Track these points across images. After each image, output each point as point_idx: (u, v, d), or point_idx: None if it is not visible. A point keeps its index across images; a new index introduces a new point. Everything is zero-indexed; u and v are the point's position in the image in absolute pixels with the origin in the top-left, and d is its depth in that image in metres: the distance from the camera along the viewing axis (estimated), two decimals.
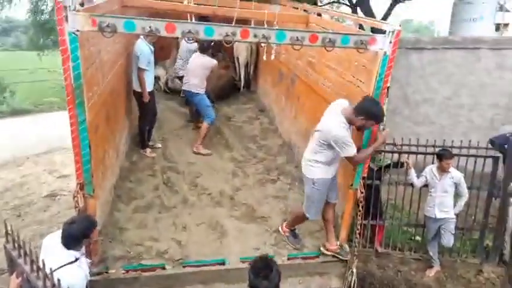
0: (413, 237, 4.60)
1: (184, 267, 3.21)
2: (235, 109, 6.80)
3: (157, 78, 6.42)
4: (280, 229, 3.71)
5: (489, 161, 4.10)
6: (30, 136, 8.76)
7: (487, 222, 4.25)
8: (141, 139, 5.04)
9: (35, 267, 2.03)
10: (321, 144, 3.11)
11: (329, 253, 3.48)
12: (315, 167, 3.20)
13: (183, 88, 5.43)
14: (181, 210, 3.96)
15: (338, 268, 3.50)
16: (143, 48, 4.57)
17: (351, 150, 2.98)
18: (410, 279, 4.11)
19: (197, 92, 5.19)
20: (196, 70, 5.15)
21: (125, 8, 4.60)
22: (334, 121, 3.03)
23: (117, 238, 3.44)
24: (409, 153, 4.18)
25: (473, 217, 4.29)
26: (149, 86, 4.79)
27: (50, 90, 16.43)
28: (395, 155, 4.18)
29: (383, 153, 4.11)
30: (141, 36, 4.57)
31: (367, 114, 2.95)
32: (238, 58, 7.33)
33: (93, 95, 3.00)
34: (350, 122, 3.03)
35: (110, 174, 3.89)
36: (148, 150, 5.02)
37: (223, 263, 3.30)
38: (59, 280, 1.88)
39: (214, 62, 5.30)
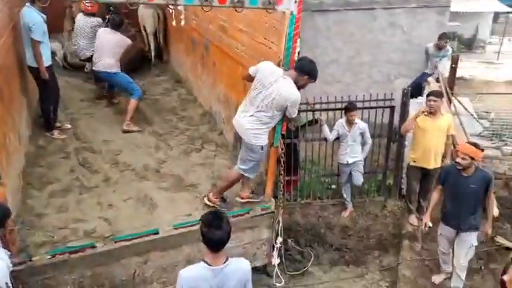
0: (329, 186, 5.18)
1: (116, 242, 3.14)
2: (149, 82, 6.53)
3: (53, 54, 5.78)
4: (207, 201, 3.69)
5: (387, 110, 4.73)
6: None
7: (387, 164, 4.96)
8: (46, 121, 4.59)
9: None
10: (273, 112, 3.18)
11: (244, 200, 3.72)
12: (264, 134, 3.30)
13: (94, 69, 5.03)
14: (104, 189, 3.81)
15: (266, 221, 3.75)
16: (34, 18, 4.02)
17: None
18: (329, 221, 4.68)
19: (114, 71, 4.90)
20: (110, 48, 4.83)
21: None
22: (290, 86, 3.11)
23: (35, 225, 3.20)
24: (320, 110, 4.60)
25: (376, 162, 4.97)
26: (47, 61, 4.31)
27: None
28: (310, 115, 4.56)
29: (299, 113, 4.42)
30: (28, 4, 4.01)
31: (309, 73, 3.16)
32: (144, 27, 6.92)
33: None
34: (296, 83, 3.17)
35: (15, 161, 3.51)
36: (55, 132, 4.61)
37: (156, 233, 3.32)
38: None
39: (128, 41, 5.04)
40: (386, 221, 4.70)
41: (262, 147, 3.34)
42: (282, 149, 3.67)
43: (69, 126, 4.84)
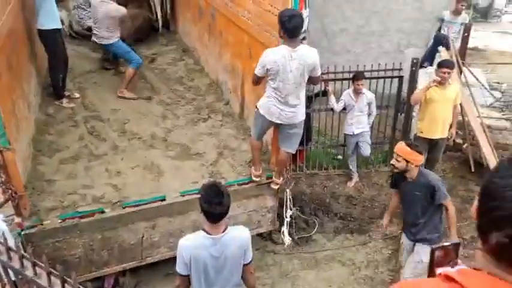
0: (336, 157, 5.20)
1: (124, 208, 3.25)
2: (156, 51, 6.45)
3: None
4: (274, 186, 3.67)
5: (395, 80, 4.64)
6: None
7: (394, 135, 4.93)
8: (55, 89, 4.61)
9: None
10: (305, 81, 3.09)
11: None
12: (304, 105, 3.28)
13: (93, 39, 5.00)
14: (112, 157, 3.88)
15: (271, 189, 3.79)
16: None
17: None
18: (334, 191, 4.72)
19: (110, 43, 4.85)
20: (102, 20, 4.73)
21: None
22: (305, 49, 2.98)
23: (45, 190, 3.30)
24: (328, 80, 4.54)
25: (383, 133, 4.94)
26: (56, 23, 4.30)
27: None
28: (317, 86, 4.47)
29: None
30: None
31: (281, 22, 2.84)
32: None
33: None
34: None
35: (25, 128, 3.58)
36: (64, 100, 4.64)
37: (163, 199, 3.41)
38: None
39: (122, 10, 4.85)
40: (391, 191, 4.73)
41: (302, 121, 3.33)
42: None
43: (77, 95, 4.87)
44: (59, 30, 4.41)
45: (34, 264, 1.67)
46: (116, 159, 3.86)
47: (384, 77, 4.59)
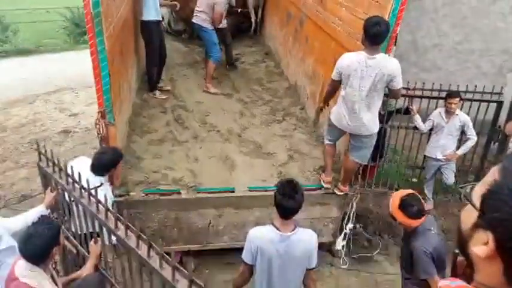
0: (409, 179, 4.88)
1: (198, 193, 3.49)
2: (240, 52, 6.77)
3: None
4: (338, 191, 3.64)
5: (492, 105, 4.21)
6: (37, 76, 8.78)
7: (483, 166, 4.47)
8: (150, 81, 4.98)
9: (70, 180, 2.26)
10: (380, 92, 2.99)
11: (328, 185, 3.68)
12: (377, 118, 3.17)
13: (192, 20, 5.20)
14: (192, 145, 4.18)
15: (338, 200, 3.76)
16: None
17: None
18: None
19: (204, 26, 5.06)
20: (205, 1, 4.98)
21: None
22: (384, 59, 2.89)
23: (135, 166, 3.69)
24: (413, 96, 4.26)
25: (470, 161, 4.50)
26: (157, 15, 4.65)
27: (50, 31, 15.99)
28: (399, 102, 4.25)
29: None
30: None
31: (364, 28, 2.81)
32: (247, 1, 7.07)
33: (109, 25, 3.04)
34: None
35: (126, 108, 4.05)
36: (157, 92, 4.99)
37: (232, 191, 3.58)
38: (96, 190, 2.12)
39: (219, 1, 4.94)
40: None
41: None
42: None
43: (169, 88, 5.27)
44: (158, 22, 4.75)
45: (127, 227, 1.92)
46: (195, 147, 4.15)
47: (480, 100, 4.20)
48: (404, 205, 2.41)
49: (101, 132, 2.92)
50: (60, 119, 6.63)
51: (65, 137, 5.98)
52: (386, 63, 2.85)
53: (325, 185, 3.65)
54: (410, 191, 2.53)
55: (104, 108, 2.87)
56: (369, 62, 2.85)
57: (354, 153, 3.34)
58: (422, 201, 2.51)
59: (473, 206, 0.69)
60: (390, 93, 3.11)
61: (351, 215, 3.77)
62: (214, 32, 5.14)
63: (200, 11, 5.04)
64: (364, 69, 2.87)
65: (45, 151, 2.49)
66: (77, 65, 9.01)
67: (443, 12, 5.49)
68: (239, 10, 6.55)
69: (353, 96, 2.98)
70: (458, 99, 3.89)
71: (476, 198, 0.70)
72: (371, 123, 3.11)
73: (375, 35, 2.77)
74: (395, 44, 3.32)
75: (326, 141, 3.51)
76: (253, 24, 7.24)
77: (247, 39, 7.33)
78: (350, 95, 3.00)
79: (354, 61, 2.89)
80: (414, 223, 2.41)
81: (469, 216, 0.72)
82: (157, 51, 4.86)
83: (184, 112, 4.78)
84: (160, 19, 4.86)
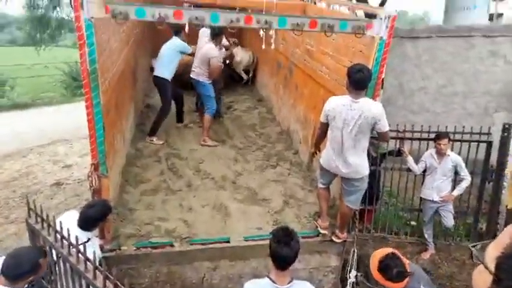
0: (408, 222, 4.78)
1: (191, 244, 3.38)
2: (233, 99, 6.96)
3: None
4: (335, 239, 3.57)
5: (482, 145, 4.27)
6: (32, 129, 8.87)
7: (480, 207, 4.42)
8: (154, 128, 5.17)
9: (58, 236, 2.18)
10: (365, 134, 3.06)
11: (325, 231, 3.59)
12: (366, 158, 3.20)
13: (190, 75, 5.39)
14: (186, 193, 4.13)
15: (336, 248, 3.65)
16: (182, 43, 5.11)
17: None
18: None
19: (200, 80, 5.20)
20: (199, 57, 5.17)
21: None
22: (367, 103, 2.99)
23: (127, 218, 3.60)
24: (404, 138, 4.32)
25: (466, 202, 4.45)
26: (169, 74, 5.12)
27: (48, 85, 16.48)
28: (390, 144, 4.28)
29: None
30: (174, 36, 5.09)
31: (348, 73, 2.98)
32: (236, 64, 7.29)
33: (104, 80, 3.14)
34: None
35: (119, 159, 4.04)
36: (155, 138, 5.16)
37: (228, 241, 3.47)
38: (84, 247, 2.04)
39: (213, 54, 5.04)
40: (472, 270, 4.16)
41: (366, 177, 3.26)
42: None
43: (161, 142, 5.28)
44: (170, 81, 5.15)
45: (115, 286, 1.82)
46: (189, 195, 4.10)
47: (470, 141, 4.25)
48: (383, 268, 2.24)
49: (94, 184, 2.88)
50: (53, 171, 6.58)
51: (57, 189, 5.89)
52: (370, 107, 2.97)
53: (321, 231, 3.57)
54: (389, 250, 2.36)
55: (97, 161, 2.86)
56: (353, 105, 2.98)
57: (346, 197, 3.35)
58: (404, 260, 2.33)
59: (488, 269, 0.66)
60: (379, 136, 3.19)
61: (353, 262, 3.63)
62: (211, 86, 5.29)
63: (196, 66, 5.23)
64: (349, 112, 2.99)
65: (35, 206, 2.43)
66: (73, 116, 9.15)
67: (425, 58, 5.78)
68: (227, 62, 6.75)
69: (339, 138, 3.08)
70: (447, 139, 3.94)
71: (490, 260, 0.67)
72: (359, 166, 3.14)
73: (358, 81, 2.93)
74: (382, 88, 3.44)
75: (319, 185, 3.53)
76: (245, 79, 7.48)
77: (240, 87, 7.58)
78: (336, 136, 3.10)
79: (339, 104, 3.04)
80: (396, 286, 2.23)
81: (482, 279, 0.68)
82: (170, 104, 5.26)
83: (178, 160, 4.79)
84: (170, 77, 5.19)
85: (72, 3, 2.38)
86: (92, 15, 2.49)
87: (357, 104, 2.97)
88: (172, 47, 5.12)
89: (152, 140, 5.12)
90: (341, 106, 3.02)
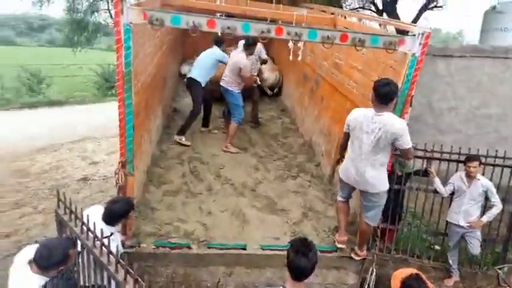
0: (432, 246, 4.59)
1: (208, 248, 3.41)
2: (258, 108, 6.98)
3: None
4: (354, 256, 3.52)
5: None
6: (65, 125, 9.28)
7: (510, 235, 4.21)
8: (183, 127, 5.28)
9: (85, 228, 2.27)
10: (386, 150, 3.04)
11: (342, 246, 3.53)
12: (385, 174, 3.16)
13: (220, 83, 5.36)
14: (206, 197, 4.18)
15: (355, 265, 3.57)
16: (221, 53, 5.27)
17: None
18: None
19: (229, 88, 5.23)
20: (230, 66, 5.21)
21: (165, 6, 4.91)
22: (391, 118, 2.97)
23: (148, 216, 3.69)
24: (432, 158, 4.15)
25: (496, 230, 4.25)
26: (205, 81, 5.28)
27: (81, 84, 17.25)
28: (417, 164, 4.13)
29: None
30: (214, 46, 5.28)
31: (373, 88, 2.99)
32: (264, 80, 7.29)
33: (137, 83, 3.26)
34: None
35: (145, 158, 4.16)
36: (183, 137, 5.27)
37: (244, 248, 3.48)
38: (108, 240, 2.11)
39: (243, 63, 5.05)
40: None
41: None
42: None
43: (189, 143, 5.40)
44: (202, 85, 5.27)
45: (135, 281, 1.87)
46: (209, 199, 4.15)
47: (503, 166, 4.06)
48: None
49: (120, 181, 2.98)
50: (81, 167, 6.84)
51: (84, 184, 6.12)
52: (393, 122, 2.93)
53: (338, 245, 3.52)
54: (413, 271, 2.25)
55: (125, 159, 2.96)
56: (375, 118, 2.96)
57: (364, 213, 3.31)
58: (429, 284, 2.23)
59: None
60: (401, 153, 3.14)
61: (371, 281, 3.53)
62: (241, 95, 5.32)
63: (226, 75, 5.29)
64: (370, 124, 2.98)
65: (65, 198, 2.54)
66: (103, 116, 9.52)
67: (458, 77, 5.64)
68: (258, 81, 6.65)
69: (357, 149, 3.08)
70: (477, 162, 3.78)
71: None
72: (376, 180, 3.10)
73: (385, 95, 2.92)
74: (410, 106, 3.39)
75: (338, 198, 3.51)
76: (269, 94, 7.42)
77: (265, 96, 7.62)
78: (355, 147, 3.10)
79: (361, 115, 3.05)
80: None
81: None
82: (201, 106, 5.38)
83: (200, 164, 4.86)
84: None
85: (113, 9, 2.50)
86: (131, 20, 2.61)
87: (379, 117, 2.96)
88: (212, 55, 5.26)
89: (181, 139, 5.24)
90: (362, 117, 3.03)
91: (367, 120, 3.00)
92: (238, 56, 5.20)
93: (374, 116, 2.98)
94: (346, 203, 3.50)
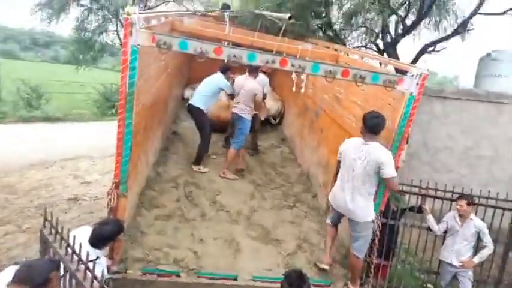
0: (425, 285, 4.52)
1: (198, 277, 3.29)
2: (258, 136, 7.01)
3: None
4: None
5: (508, 214, 4.09)
6: (59, 142, 9.19)
7: (501, 278, 4.16)
8: (199, 157, 5.30)
9: (70, 251, 2.18)
10: (371, 178, 3.21)
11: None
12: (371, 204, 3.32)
13: (233, 110, 5.29)
14: (199, 223, 4.09)
15: None
16: (224, 81, 5.30)
17: None
18: None
19: (242, 115, 5.17)
20: (245, 93, 5.13)
21: (174, 31, 5.04)
22: (378, 148, 3.18)
23: (137, 241, 3.57)
24: (427, 195, 4.20)
25: (488, 272, 4.20)
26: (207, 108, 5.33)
27: (81, 102, 17.29)
28: (412, 200, 4.15)
29: (406, 194, 4.05)
30: (219, 73, 5.34)
31: (362, 119, 3.25)
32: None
33: (139, 103, 3.28)
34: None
35: (139, 180, 4.10)
36: (201, 166, 5.29)
37: (235, 279, 3.36)
38: (94, 264, 2.03)
39: (258, 90, 5.11)
40: None
41: (372, 221, 3.35)
42: (379, 226, 3.47)
43: (207, 169, 5.36)
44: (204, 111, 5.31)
45: None
46: (202, 226, 4.06)
47: (495, 207, 4.10)
48: None
49: (112, 202, 2.91)
50: (71, 186, 6.71)
51: (73, 204, 5.97)
52: (378, 151, 3.12)
53: (321, 266, 3.58)
54: None
55: (119, 179, 2.91)
56: (363, 147, 3.19)
57: (352, 243, 3.42)
58: None
59: None
60: (386, 182, 3.23)
61: None
62: (250, 124, 5.30)
63: (239, 102, 5.22)
64: (358, 152, 3.20)
65: (51, 218, 2.46)
66: (100, 135, 9.47)
67: (453, 118, 5.75)
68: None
69: (345, 176, 3.28)
70: (465, 202, 3.80)
71: None
72: (362, 210, 3.25)
73: (373, 126, 3.17)
74: (407, 143, 3.43)
75: (327, 221, 3.67)
76: (272, 123, 7.52)
77: (266, 125, 7.67)
78: (343, 175, 3.31)
79: (351, 144, 3.31)
80: None
81: None
82: (210, 132, 5.37)
83: (195, 189, 4.79)
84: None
85: (121, 31, 2.56)
86: (139, 42, 2.66)
87: (366, 146, 3.18)
88: (215, 81, 5.30)
89: (200, 169, 5.25)
90: (352, 146, 3.27)
91: (355, 149, 3.23)
92: (250, 83, 5.16)
93: (362, 145, 3.21)
94: (335, 228, 3.65)
